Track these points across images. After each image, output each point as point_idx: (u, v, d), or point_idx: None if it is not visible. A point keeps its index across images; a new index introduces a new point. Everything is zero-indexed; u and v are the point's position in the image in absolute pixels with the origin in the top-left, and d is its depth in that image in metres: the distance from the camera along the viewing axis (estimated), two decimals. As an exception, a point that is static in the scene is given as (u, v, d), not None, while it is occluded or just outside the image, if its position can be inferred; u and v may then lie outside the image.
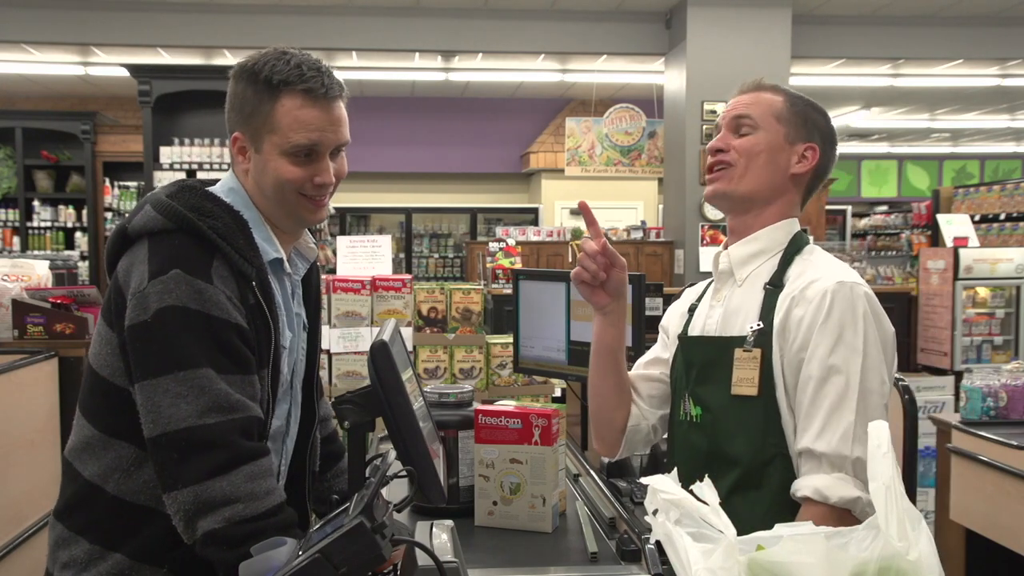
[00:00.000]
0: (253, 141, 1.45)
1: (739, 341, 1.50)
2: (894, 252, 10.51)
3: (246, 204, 1.48)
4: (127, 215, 1.45)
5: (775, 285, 1.51)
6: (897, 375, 2.35)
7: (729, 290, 1.59)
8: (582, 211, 1.62)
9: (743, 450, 1.47)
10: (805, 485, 1.40)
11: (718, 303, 1.60)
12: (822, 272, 1.48)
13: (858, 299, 1.44)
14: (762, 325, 1.48)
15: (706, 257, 7.49)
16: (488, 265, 6.83)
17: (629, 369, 1.75)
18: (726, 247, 1.62)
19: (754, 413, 1.47)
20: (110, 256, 1.45)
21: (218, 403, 1.31)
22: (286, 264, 1.53)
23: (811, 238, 1.64)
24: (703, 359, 1.57)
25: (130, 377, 1.36)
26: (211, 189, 1.49)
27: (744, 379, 1.48)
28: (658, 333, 1.81)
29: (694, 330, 1.64)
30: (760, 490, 1.46)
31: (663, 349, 1.75)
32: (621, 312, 1.66)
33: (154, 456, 1.32)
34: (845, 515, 1.37)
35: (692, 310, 1.69)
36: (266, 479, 1.33)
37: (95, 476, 1.39)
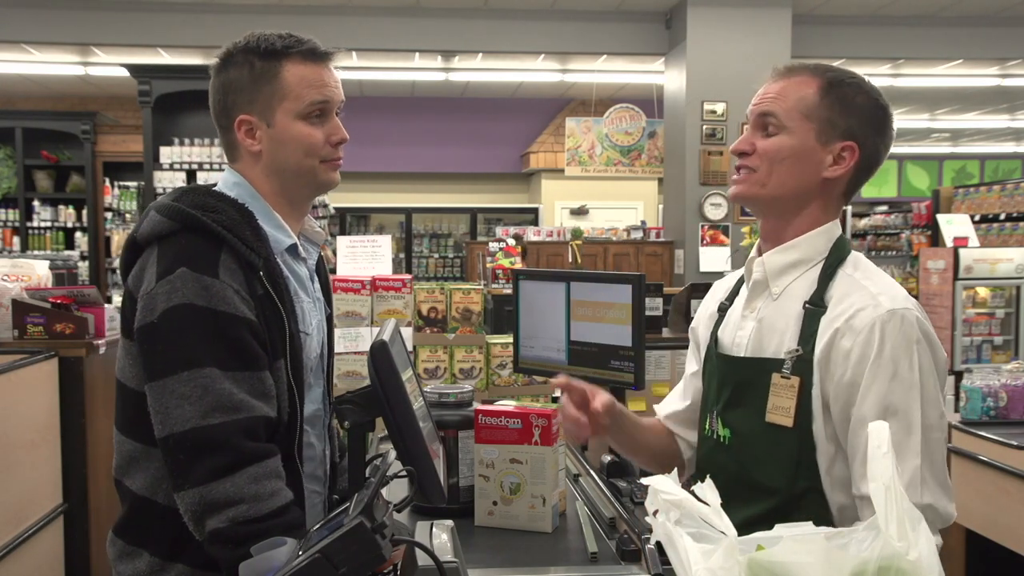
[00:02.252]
0: (264, 116, 1.46)
1: (776, 364, 1.39)
2: (894, 252, 10.50)
3: (252, 196, 1.48)
4: (135, 224, 1.46)
5: (816, 304, 1.39)
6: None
7: (763, 302, 1.47)
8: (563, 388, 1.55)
9: (774, 481, 1.39)
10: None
11: (751, 314, 1.49)
12: (869, 298, 1.35)
13: (910, 328, 1.33)
14: (800, 351, 1.37)
15: (706, 257, 7.50)
16: (488, 265, 6.83)
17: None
18: (760, 253, 1.50)
19: (787, 444, 1.38)
20: (123, 267, 1.46)
21: (221, 403, 1.31)
22: (301, 249, 1.54)
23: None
24: (735, 380, 1.47)
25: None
26: (214, 187, 1.50)
27: (779, 407, 1.38)
28: (658, 332, 1.79)
29: (724, 339, 1.53)
30: (789, 522, 1.41)
31: (695, 361, 1.65)
32: (616, 421, 1.58)
33: (164, 457, 1.34)
34: None
35: (722, 309, 1.58)
36: (271, 480, 1.34)
37: (143, 489, 1.41)
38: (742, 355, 1.47)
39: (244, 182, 1.49)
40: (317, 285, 1.61)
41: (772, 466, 1.40)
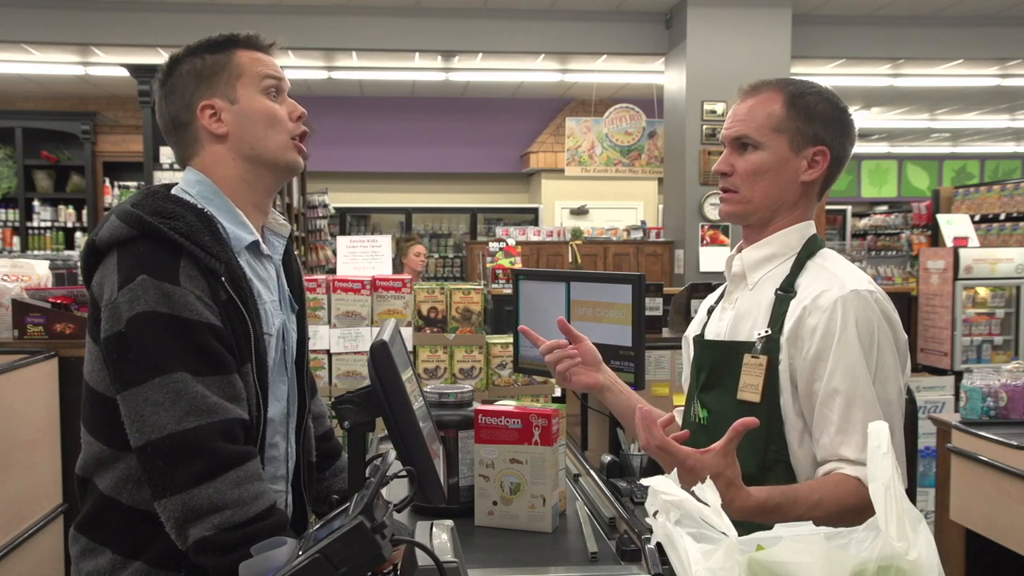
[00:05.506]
0: (226, 95, 1.48)
1: (747, 346, 1.50)
2: (894, 252, 10.50)
3: (214, 192, 1.48)
4: (96, 227, 1.45)
5: (786, 291, 1.51)
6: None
7: (740, 293, 1.60)
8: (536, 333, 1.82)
9: (745, 456, 1.46)
10: (851, 469, 1.39)
11: (730, 306, 1.61)
12: (835, 280, 1.47)
13: (872, 309, 1.44)
14: (770, 332, 1.48)
15: (706, 257, 7.50)
16: (488, 265, 6.82)
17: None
18: (739, 250, 1.62)
19: (757, 419, 1.47)
20: (84, 271, 1.45)
21: (196, 407, 1.31)
22: (263, 246, 1.53)
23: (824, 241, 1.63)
24: (712, 363, 1.58)
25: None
26: (175, 190, 1.49)
27: (749, 385, 1.48)
28: (658, 332, 1.82)
29: (708, 332, 1.65)
30: None
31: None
32: (614, 380, 1.74)
33: (142, 465, 1.33)
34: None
35: (710, 311, 1.70)
36: (253, 483, 1.33)
37: (109, 489, 1.41)
38: (719, 339, 1.59)
39: (205, 179, 1.49)
40: (283, 282, 1.59)
41: (744, 442, 1.46)
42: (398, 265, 7.79)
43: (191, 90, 1.48)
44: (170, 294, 1.33)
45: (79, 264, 1.47)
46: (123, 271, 1.35)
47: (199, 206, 1.44)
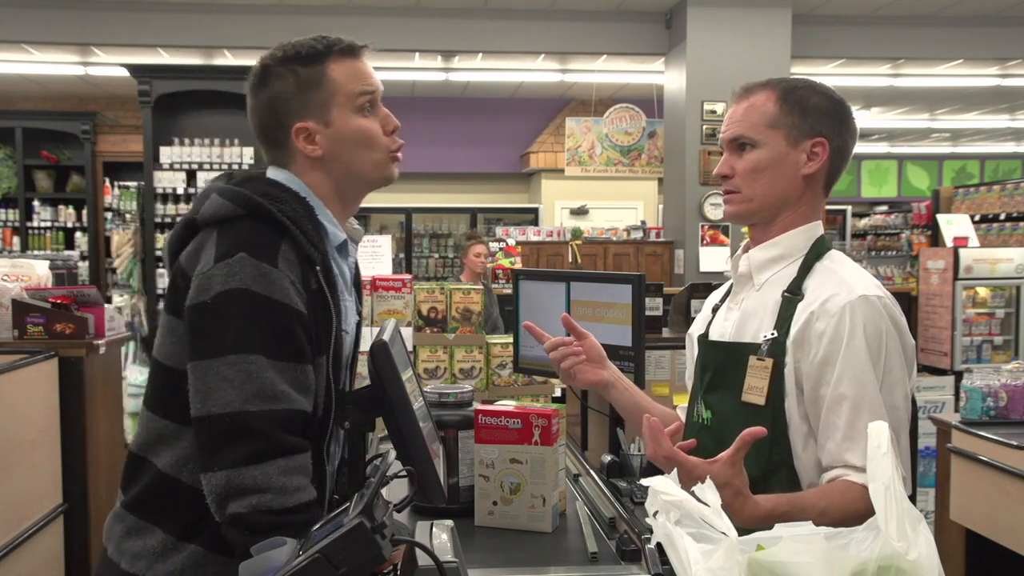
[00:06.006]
0: (321, 118, 1.46)
1: (753, 348, 1.49)
2: (894, 252, 10.49)
3: (305, 192, 1.48)
4: (194, 204, 1.45)
5: (793, 293, 1.50)
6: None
7: (747, 294, 1.59)
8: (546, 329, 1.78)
9: (749, 459, 1.44)
10: (857, 476, 1.39)
11: (735, 306, 1.60)
12: (843, 285, 1.46)
13: (880, 315, 1.43)
14: (776, 334, 1.47)
15: (706, 257, 7.50)
16: (488, 265, 6.82)
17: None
18: (746, 250, 1.61)
19: (761, 422, 1.44)
20: (173, 246, 1.45)
21: (263, 391, 1.31)
22: (350, 246, 1.54)
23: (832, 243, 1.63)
24: (716, 364, 1.58)
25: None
26: (272, 177, 1.49)
27: (754, 387, 1.48)
28: (658, 332, 1.82)
29: (712, 331, 1.64)
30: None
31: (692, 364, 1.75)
32: (619, 377, 1.74)
33: (197, 435, 1.33)
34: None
35: (715, 309, 1.69)
36: (299, 475, 1.33)
37: (168, 467, 1.40)
38: (724, 340, 1.58)
39: (295, 179, 1.48)
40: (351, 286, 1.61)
41: None
42: (459, 265, 7.76)
43: (284, 109, 1.46)
44: (267, 274, 1.33)
45: (169, 239, 1.46)
46: (223, 246, 1.35)
47: (301, 194, 1.44)
